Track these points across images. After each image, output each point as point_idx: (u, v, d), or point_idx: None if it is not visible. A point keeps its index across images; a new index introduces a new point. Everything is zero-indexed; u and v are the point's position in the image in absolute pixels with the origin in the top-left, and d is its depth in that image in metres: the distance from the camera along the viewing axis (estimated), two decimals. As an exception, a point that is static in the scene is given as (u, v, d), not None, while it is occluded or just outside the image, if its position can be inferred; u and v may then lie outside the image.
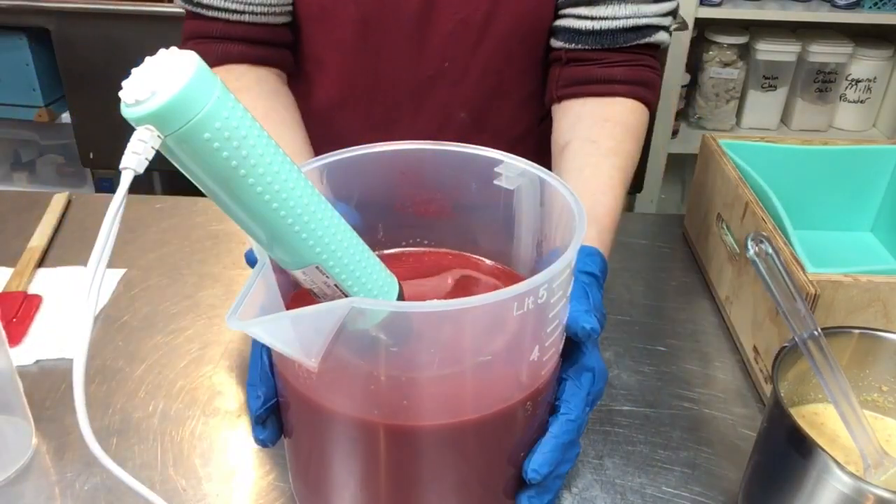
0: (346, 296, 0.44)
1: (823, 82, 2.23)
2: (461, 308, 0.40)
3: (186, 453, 0.60)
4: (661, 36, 0.78)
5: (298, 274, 0.43)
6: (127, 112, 0.35)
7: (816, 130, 2.31)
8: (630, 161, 0.72)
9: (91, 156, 1.93)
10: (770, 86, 2.24)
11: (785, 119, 2.34)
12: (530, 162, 0.53)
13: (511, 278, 0.57)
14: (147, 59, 0.36)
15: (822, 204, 0.85)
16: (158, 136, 0.35)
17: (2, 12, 1.77)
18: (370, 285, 0.45)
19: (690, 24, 2.04)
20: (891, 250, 0.84)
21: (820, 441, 0.46)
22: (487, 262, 0.58)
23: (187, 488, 0.56)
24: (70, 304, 0.74)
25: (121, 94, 0.35)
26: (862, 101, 2.28)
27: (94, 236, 0.36)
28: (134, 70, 0.36)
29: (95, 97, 1.84)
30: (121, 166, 0.35)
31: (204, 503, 0.55)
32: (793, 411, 0.49)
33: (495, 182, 0.53)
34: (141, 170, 0.35)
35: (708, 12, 2.07)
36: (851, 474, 0.44)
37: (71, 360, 0.68)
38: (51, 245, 0.83)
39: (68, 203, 0.90)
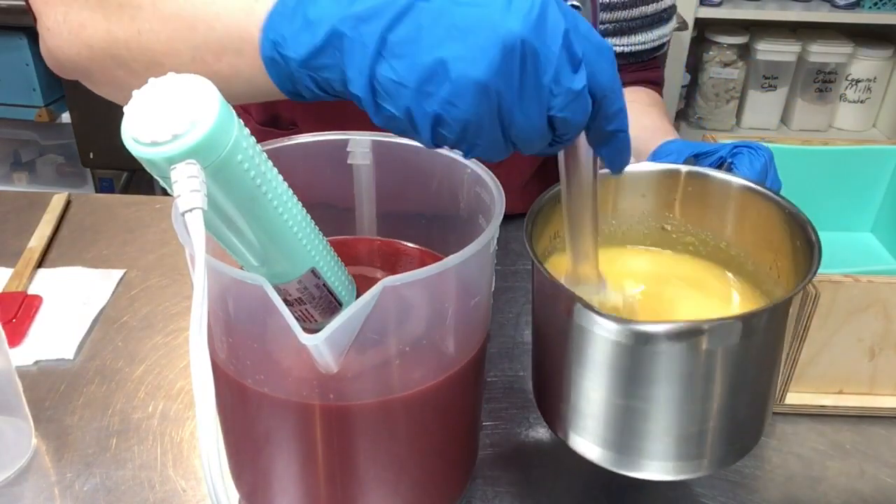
0: (332, 294, 0.45)
1: (823, 82, 2.23)
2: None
3: (186, 454, 0.60)
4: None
5: (293, 284, 0.43)
6: (159, 151, 0.32)
7: (816, 130, 2.31)
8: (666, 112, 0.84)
9: (91, 156, 1.93)
10: (770, 86, 2.24)
11: (785, 119, 2.34)
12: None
13: (432, 258, 0.57)
14: (148, 89, 0.34)
15: (822, 204, 0.85)
16: (202, 169, 0.33)
17: (2, 12, 1.77)
18: (343, 279, 0.46)
19: (690, 24, 2.04)
20: (891, 250, 0.83)
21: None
22: (410, 245, 0.59)
23: (187, 489, 0.56)
24: (70, 305, 0.74)
25: (139, 133, 0.33)
26: (862, 101, 2.28)
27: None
28: (136, 102, 0.33)
29: (95, 97, 1.82)
30: (182, 210, 0.33)
31: (204, 503, 0.55)
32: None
33: (348, 161, 0.54)
34: (206, 206, 0.33)
35: (708, 12, 2.07)
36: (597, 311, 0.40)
37: (70, 361, 0.68)
38: (51, 245, 0.83)
39: (68, 203, 0.90)
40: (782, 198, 0.50)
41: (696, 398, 0.42)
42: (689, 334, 0.41)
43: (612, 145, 0.43)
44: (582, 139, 0.43)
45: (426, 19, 0.38)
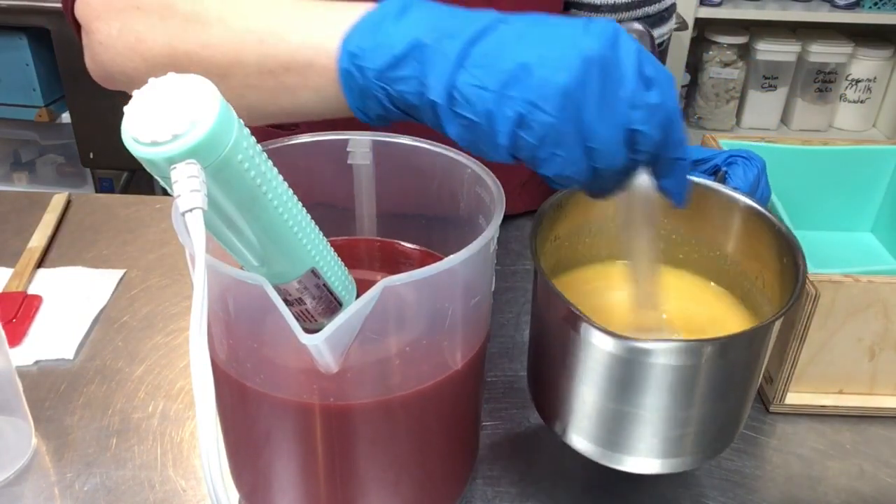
0: (332, 294, 0.45)
1: (823, 82, 2.23)
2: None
3: (186, 453, 0.60)
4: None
5: (293, 284, 0.43)
6: (159, 151, 0.32)
7: (816, 130, 2.31)
8: None
9: (91, 156, 1.93)
10: (770, 86, 2.24)
11: (785, 119, 2.34)
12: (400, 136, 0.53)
13: (432, 258, 0.57)
14: (148, 89, 0.34)
15: (822, 204, 0.85)
16: (202, 169, 0.33)
17: (2, 12, 1.77)
18: (343, 279, 0.46)
19: (690, 24, 2.04)
20: (891, 250, 0.84)
21: (587, 302, 0.48)
22: (409, 245, 0.59)
23: (187, 489, 0.56)
24: (70, 305, 0.74)
25: (139, 133, 0.33)
26: (862, 101, 2.28)
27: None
28: (137, 102, 0.33)
29: (95, 97, 1.83)
30: (182, 210, 0.33)
31: (204, 503, 0.55)
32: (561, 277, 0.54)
33: (348, 161, 0.54)
34: (206, 206, 0.33)
35: (708, 12, 2.07)
36: (615, 335, 0.43)
37: (70, 361, 0.68)
38: (51, 245, 0.83)
39: (68, 203, 0.90)
40: (775, 216, 0.53)
41: (681, 406, 0.46)
42: (678, 352, 0.44)
43: (675, 175, 0.44)
44: (640, 182, 0.44)
45: (508, 37, 0.40)
